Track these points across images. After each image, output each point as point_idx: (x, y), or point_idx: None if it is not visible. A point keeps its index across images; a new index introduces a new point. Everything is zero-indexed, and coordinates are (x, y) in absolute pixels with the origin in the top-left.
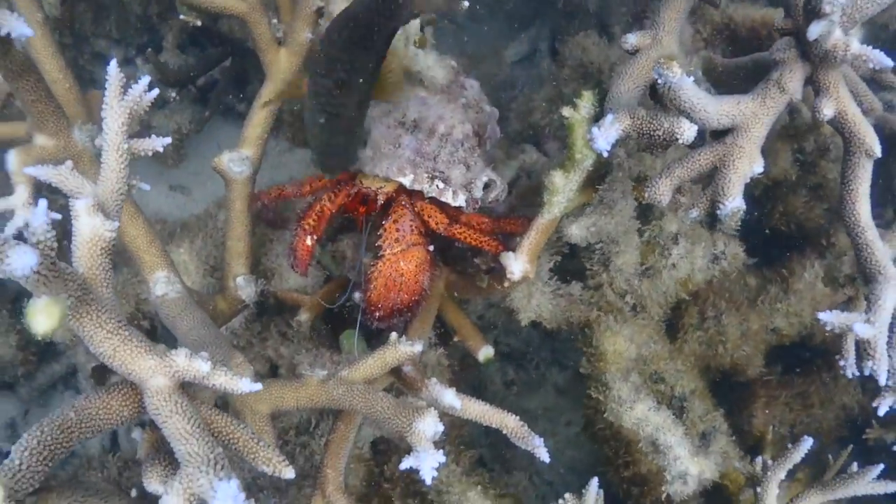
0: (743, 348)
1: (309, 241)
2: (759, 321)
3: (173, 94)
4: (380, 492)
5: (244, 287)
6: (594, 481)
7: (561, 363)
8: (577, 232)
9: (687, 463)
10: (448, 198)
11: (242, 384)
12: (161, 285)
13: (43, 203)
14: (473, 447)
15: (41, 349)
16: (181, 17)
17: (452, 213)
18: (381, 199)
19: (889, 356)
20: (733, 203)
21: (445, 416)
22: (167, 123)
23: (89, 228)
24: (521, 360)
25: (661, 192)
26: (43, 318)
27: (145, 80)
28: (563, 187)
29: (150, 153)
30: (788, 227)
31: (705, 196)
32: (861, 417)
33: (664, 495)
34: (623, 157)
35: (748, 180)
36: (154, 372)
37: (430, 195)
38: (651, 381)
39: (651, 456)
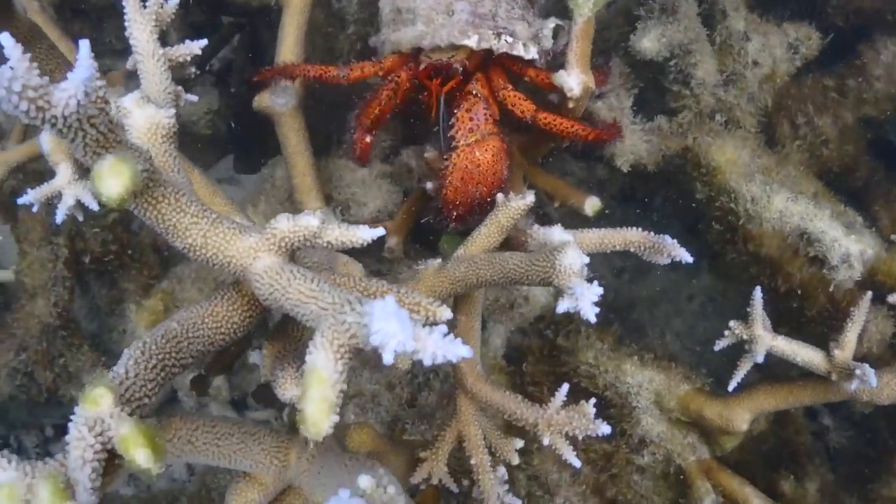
0: (845, 146)
1: (368, 139)
2: (851, 115)
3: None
4: (527, 394)
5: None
6: (757, 290)
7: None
8: (648, 45)
9: (846, 243)
10: (520, 51)
11: (360, 232)
12: None
13: (84, 44)
14: (611, 325)
15: None
16: None
17: (520, 72)
18: (457, 66)
19: None
20: None
21: None
22: (197, 109)
23: (144, 118)
24: None
25: None
26: (112, 179)
27: None
28: None
29: (187, 58)
30: (846, 20)
31: None
32: None
33: (832, 287)
34: None
35: None
36: (256, 251)
37: (500, 51)
38: None
39: (801, 248)
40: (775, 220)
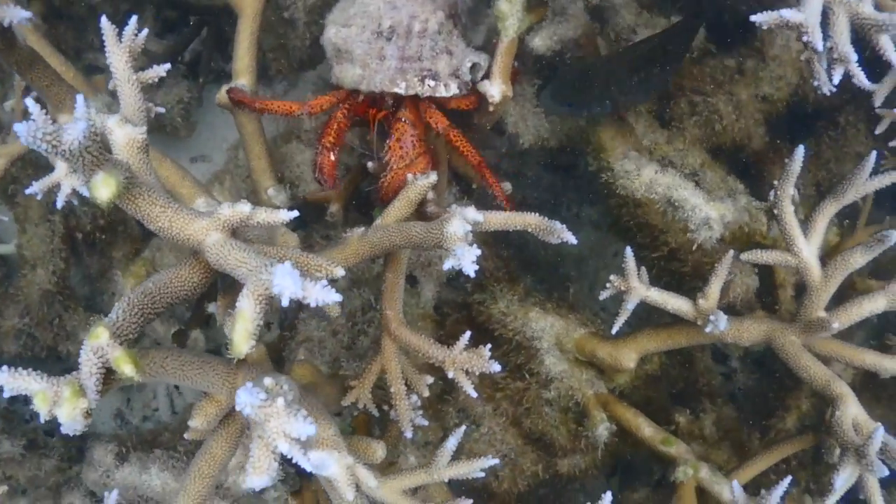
0: (739, 122)
1: (333, 157)
2: (747, 91)
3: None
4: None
5: (276, 196)
6: (628, 249)
7: (589, 200)
8: (540, 43)
9: (705, 209)
10: (441, 92)
11: (281, 214)
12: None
13: (80, 98)
14: (521, 279)
15: None
16: None
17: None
18: (388, 100)
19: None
20: None
21: (492, 259)
22: (168, 98)
23: (123, 135)
24: (553, 207)
25: None
26: (104, 188)
27: (133, 21)
28: (509, 11)
29: (155, 80)
30: (748, 4)
31: None
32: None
33: (695, 246)
34: None
35: None
36: (207, 230)
37: (425, 95)
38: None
39: (670, 213)
40: (644, 191)
